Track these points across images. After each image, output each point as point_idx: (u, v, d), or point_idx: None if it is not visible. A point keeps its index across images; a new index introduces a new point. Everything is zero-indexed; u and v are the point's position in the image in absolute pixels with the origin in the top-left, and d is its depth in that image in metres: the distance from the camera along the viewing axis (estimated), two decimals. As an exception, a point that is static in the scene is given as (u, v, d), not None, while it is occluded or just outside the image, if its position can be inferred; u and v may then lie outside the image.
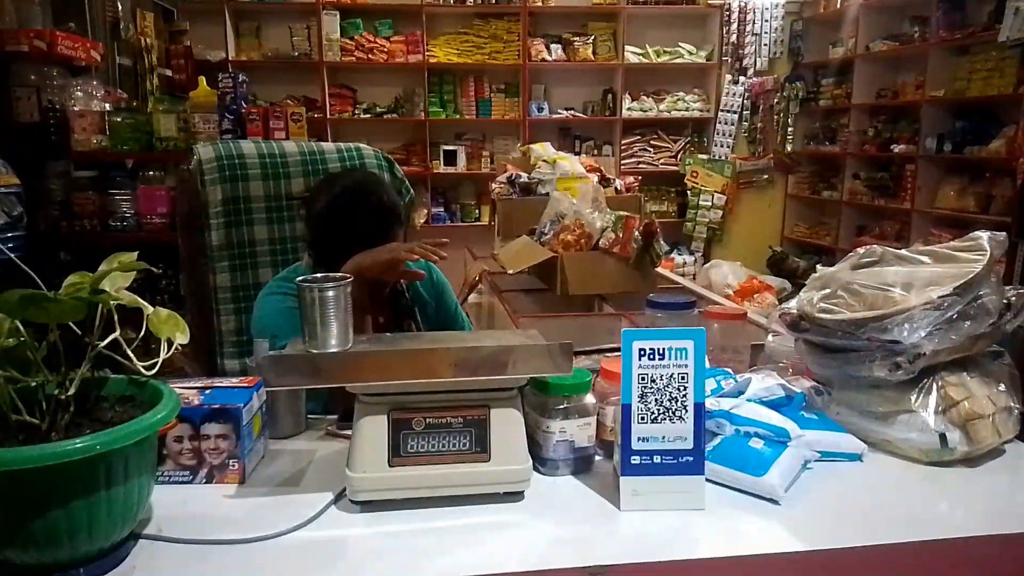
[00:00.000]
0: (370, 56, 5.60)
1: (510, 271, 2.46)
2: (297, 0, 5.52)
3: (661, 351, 0.91)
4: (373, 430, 0.86)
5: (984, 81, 4.25)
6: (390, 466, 0.86)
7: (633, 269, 2.34)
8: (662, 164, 6.08)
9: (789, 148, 5.97)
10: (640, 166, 6.02)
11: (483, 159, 5.87)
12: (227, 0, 5.33)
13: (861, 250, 1.26)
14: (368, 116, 5.71)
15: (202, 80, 3.19)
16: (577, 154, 5.47)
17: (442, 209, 5.91)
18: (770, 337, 1.35)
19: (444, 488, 0.88)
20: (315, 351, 0.88)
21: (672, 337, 0.91)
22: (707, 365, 1.25)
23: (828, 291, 1.18)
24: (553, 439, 0.98)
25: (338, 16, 5.53)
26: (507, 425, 0.90)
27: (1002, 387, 1.09)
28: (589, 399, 1.00)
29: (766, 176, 6.08)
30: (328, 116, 5.59)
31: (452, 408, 0.88)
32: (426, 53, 5.61)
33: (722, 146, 5.98)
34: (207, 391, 0.99)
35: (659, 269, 2.50)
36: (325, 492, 0.92)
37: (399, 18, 5.67)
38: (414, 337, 0.98)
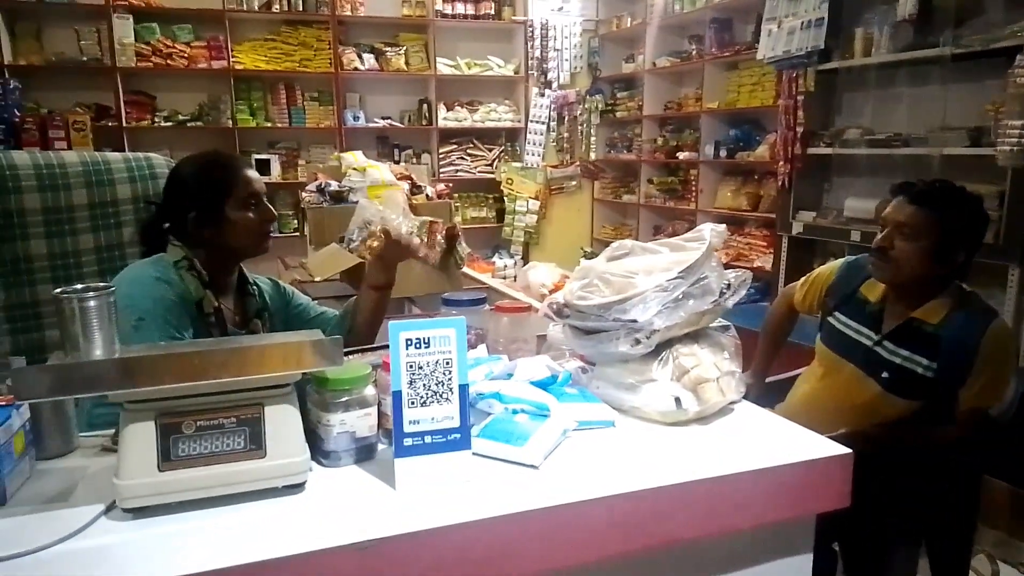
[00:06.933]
0: (169, 62, 5.31)
1: (317, 278, 2.47)
2: (83, 1, 5.11)
3: (426, 340, 0.99)
4: (140, 436, 0.87)
5: (750, 93, 4.82)
6: (160, 471, 0.88)
7: (439, 271, 2.42)
8: (479, 172, 6.29)
9: (593, 156, 6.40)
10: (459, 174, 6.19)
11: (299, 168, 5.75)
12: (-6, -2, 4.84)
13: (615, 244, 1.43)
14: (170, 124, 5.40)
15: (-38, 87, 2.90)
16: (397, 162, 5.52)
17: (257, 220, 5.71)
18: (551, 327, 1.49)
19: (219, 488, 0.90)
20: (71, 360, 0.87)
21: (435, 327, 1.00)
22: (498, 354, 1.37)
23: (587, 281, 1.33)
24: (334, 431, 1.03)
25: (131, 20, 5.19)
26: (282, 421, 0.94)
27: (726, 355, 1.29)
28: (369, 391, 1.06)
29: (574, 182, 6.48)
30: (124, 125, 5.23)
31: (224, 409, 0.91)
32: (231, 59, 5.41)
33: (533, 154, 6.30)
34: (-40, 414, 0.94)
35: (466, 269, 2.61)
36: (96, 504, 0.91)
37: (199, 23, 5.42)
38: (191, 343, 0.99)
